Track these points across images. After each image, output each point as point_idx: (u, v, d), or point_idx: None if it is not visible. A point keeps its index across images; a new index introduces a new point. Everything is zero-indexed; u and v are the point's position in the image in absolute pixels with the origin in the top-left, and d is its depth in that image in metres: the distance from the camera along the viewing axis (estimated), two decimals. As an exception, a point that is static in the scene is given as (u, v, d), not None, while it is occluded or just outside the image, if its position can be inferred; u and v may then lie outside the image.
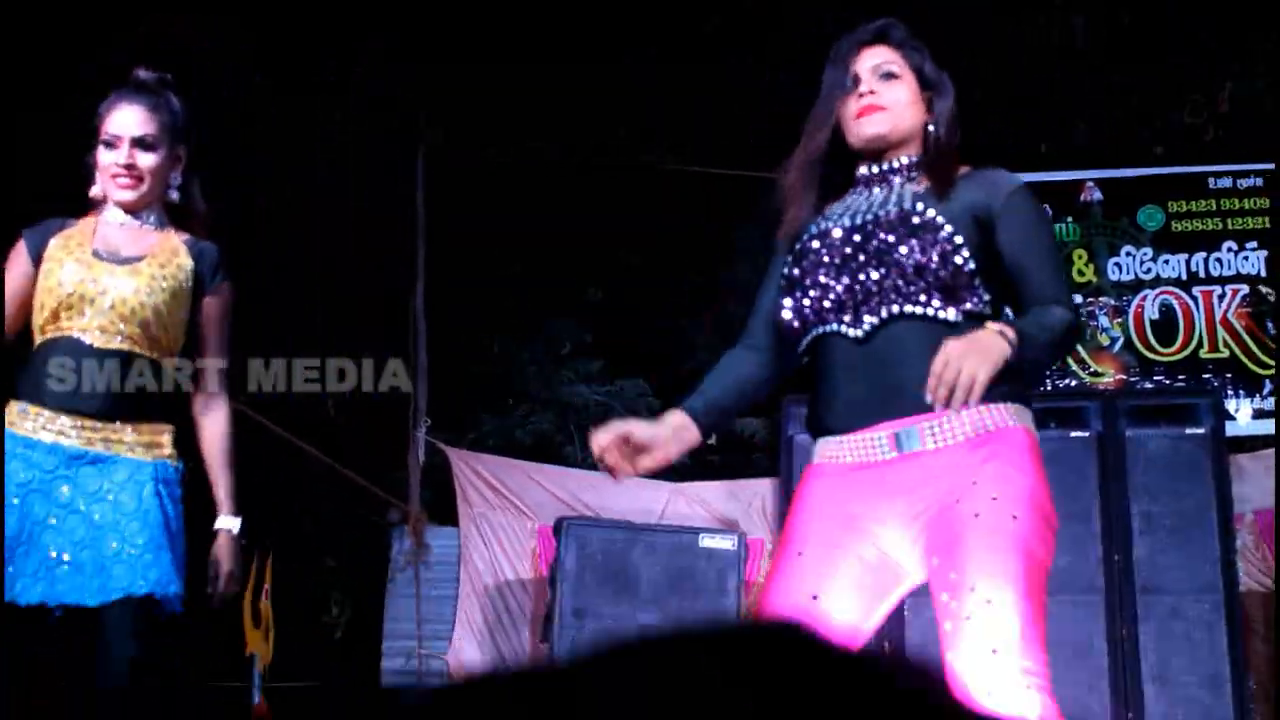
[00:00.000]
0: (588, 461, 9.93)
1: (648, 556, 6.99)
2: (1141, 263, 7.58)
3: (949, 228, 2.87)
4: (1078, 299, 7.50)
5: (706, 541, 7.03)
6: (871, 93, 3.02)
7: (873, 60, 3.05)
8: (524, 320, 10.78)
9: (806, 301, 2.97)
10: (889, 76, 3.04)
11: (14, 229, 3.50)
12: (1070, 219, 7.73)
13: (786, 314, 3.01)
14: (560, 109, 11.24)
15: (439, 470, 9.10)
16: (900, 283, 2.87)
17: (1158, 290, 7.55)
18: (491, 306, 10.83)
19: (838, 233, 2.97)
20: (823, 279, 2.94)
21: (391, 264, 10.48)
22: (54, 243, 3.45)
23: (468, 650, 8.09)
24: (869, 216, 2.96)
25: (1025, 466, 2.82)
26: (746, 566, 7.07)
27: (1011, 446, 2.83)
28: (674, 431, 2.99)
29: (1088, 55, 9.92)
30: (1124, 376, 7.39)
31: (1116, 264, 7.62)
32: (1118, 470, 6.62)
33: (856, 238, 2.94)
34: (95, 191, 3.51)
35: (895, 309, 2.87)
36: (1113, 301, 7.54)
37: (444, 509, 9.07)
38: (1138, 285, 7.60)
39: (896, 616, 6.21)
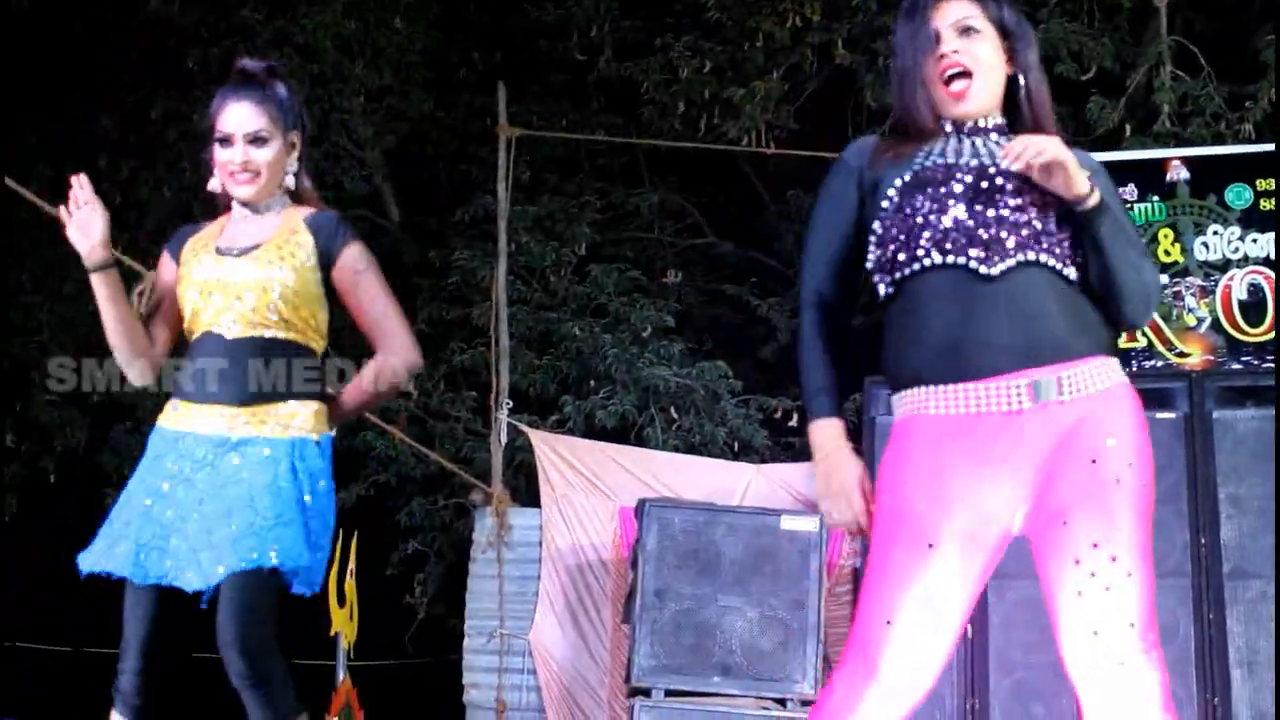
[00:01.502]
0: (669, 443, 9.95)
1: (729, 538, 6.97)
2: (1229, 242, 7.48)
3: None
4: (1164, 279, 7.42)
5: (788, 523, 7.00)
6: (955, 51, 2.90)
7: (953, 15, 2.92)
8: (605, 303, 10.81)
9: (927, 232, 2.82)
10: (969, 31, 2.92)
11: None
12: (1156, 198, 7.64)
13: (889, 244, 2.88)
14: (639, 90, 11.26)
15: (521, 452, 9.14)
16: (1039, 229, 2.80)
17: (1246, 270, 7.45)
18: (573, 289, 10.86)
19: (967, 169, 2.87)
20: (952, 210, 2.82)
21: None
22: (187, 246, 3.59)
23: (549, 631, 8.12)
24: (995, 162, 2.86)
25: (1143, 425, 2.82)
26: (829, 548, 7.05)
27: (1133, 404, 2.83)
28: (850, 449, 2.96)
29: (1172, 30, 9.81)
30: (1211, 357, 7.29)
31: (1204, 243, 7.52)
32: (1205, 452, 6.54)
33: (992, 175, 2.85)
34: (213, 185, 3.61)
35: (1030, 255, 2.79)
36: (1200, 281, 7.44)
37: (526, 490, 9.12)
38: (1225, 265, 7.50)
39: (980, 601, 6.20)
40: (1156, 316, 7.37)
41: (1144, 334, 7.38)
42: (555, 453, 8.50)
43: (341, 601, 7.74)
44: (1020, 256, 2.78)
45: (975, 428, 2.76)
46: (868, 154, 2.99)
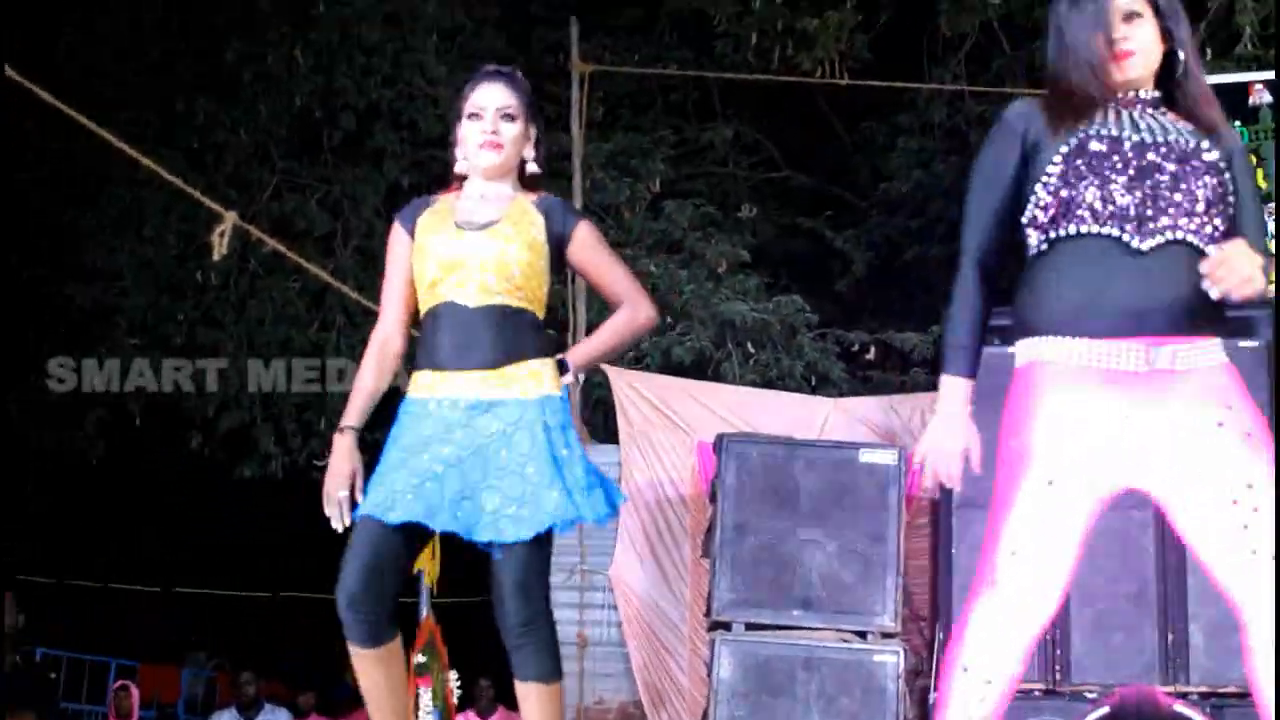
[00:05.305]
0: (746, 378, 9.96)
1: (808, 471, 6.98)
2: (1314, 166, 7.36)
3: (1228, 173, 3.13)
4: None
5: (867, 456, 7.00)
6: (1124, 38, 3.17)
7: (1121, 2, 3.19)
8: (680, 239, 10.80)
9: (1088, 198, 3.08)
10: (1134, 16, 3.20)
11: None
12: (1239, 123, 7.51)
13: (1050, 206, 3.12)
14: (711, 23, 11.20)
15: (599, 389, 9.18)
16: (1191, 211, 3.07)
17: (1331, 194, 7.32)
18: (647, 226, 10.87)
19: (1130, 145, 3.11)
20: (1114, 184, 3.07)
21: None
22: (422, 220, 3.82)
23: (629, 566, 8.17)
24: (1160, 140, 3.12)
25: (1249, 397, 3.13)
26: (907, 481, 7.04)
27: (1239, 381, 3.13)
28: (969, 416, 3.19)
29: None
30: (1295, 284, 7.18)
31: (1287, 168, 7.41)
32: (1289, 380, 6.46)
33: (1152, 156, 3.10)
34: (460, 167, 3.85)
35: (1178, 234, 3.05)
36: (1282, 207, 7.32)
37: (605, 427, 9.16)
38: (1310, 190, 7.38)
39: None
40: (1239, 243, 7.26)
41: (1226, 261, 7.27)
42: (633, 389, 8.53)
43: (424, 540, 7.81)
44: (1169, 235, 3.05)
45: (1093, 382, 3.05)
46: (1031, 117, 3.23)
